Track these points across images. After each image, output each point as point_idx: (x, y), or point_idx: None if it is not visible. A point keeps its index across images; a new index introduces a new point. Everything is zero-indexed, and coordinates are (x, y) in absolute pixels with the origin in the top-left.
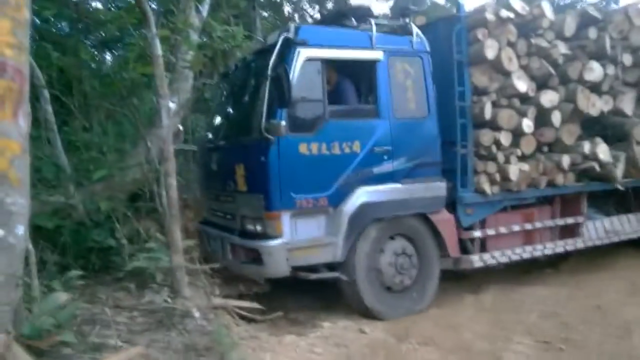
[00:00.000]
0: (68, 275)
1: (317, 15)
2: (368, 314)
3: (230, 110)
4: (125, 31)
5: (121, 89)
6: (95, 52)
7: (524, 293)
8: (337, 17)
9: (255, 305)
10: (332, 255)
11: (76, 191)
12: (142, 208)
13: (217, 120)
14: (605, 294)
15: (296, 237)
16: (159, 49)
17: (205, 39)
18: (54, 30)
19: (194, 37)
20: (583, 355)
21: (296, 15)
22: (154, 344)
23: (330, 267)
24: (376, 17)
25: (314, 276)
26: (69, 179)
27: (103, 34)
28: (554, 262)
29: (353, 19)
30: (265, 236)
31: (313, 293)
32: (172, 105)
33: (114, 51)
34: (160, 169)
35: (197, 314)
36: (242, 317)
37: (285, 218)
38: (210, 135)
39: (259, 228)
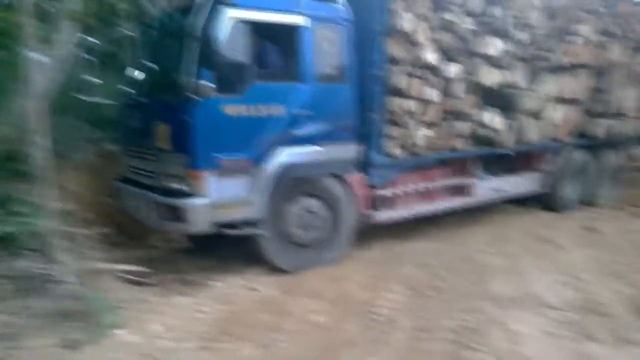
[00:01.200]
0: None
1: None
2: (283, 267)
3: (152, 66)
4: None
5: None
6: None
7: (405, 247)
8: None
9: (142, 268)
10: (253, 213)
11: None
12: (17, 169)
13: (137, 75)
14: (470, 245)
15: (219, 195)
16: None
17: None
18: None
19: None
20: (445, 299)
21: None
22: (21, 311)
23: (249, 223)
24: None
25: (234, 232)
26: None
27: None
28: (438, 220)
29: None
30: (188, 194)
31: (211, 255)
32: (44, 59)
33: None
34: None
35: (72, 279)
36: (133, 282)
37: (209, 177)
38: (129, 90)
39: (182, 186)
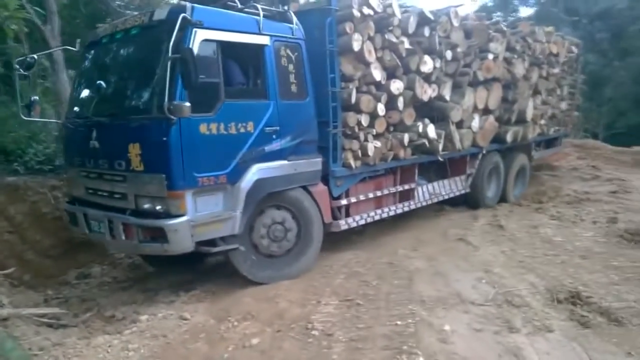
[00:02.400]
0: None
1: None
2: (257, 281)
3: (108, 84)
4: None
5: None
6: None
7: (333, 259)
8: None
9: (58, 309)
10: (231, 229)
11: None
12: None
13: (86, 94)
14: (394, 251)
15: (198, 214)
16: None
17: None
18: None
19: None
20: (377, 306)
21: None
22: None
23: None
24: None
25: (212, 249)
26: None
27: None
28: (362, 229)
29: (237, 1)
30: (167, 215)
31: (132, 288)
32: None
33: None
34: None
35: None
36: (50, 325)
37: (188, 196)
38: (77, 110)
39: (159, 207)
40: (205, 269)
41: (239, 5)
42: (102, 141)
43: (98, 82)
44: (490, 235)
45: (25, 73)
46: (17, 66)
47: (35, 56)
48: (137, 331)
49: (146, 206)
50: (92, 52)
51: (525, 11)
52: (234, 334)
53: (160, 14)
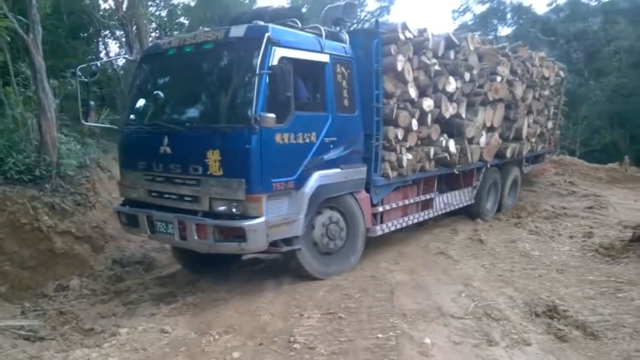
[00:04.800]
0: None
1: None
2: (306, 276)
3: (181, 94)
4: None
5: None
6: None
7: None
8: (276, 17)
9: (36, 322)
10: (296, 230)
11: None
12: None
13: (152, 102)
14: (378, 264)
15: (271, 216)
16: None
17: None
18: None
19: None
20: (359, 319)
21: None
22: None
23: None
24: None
25: (278, 250)
26: None
27: None
28: None
29: (298, 22)
30: (243, 216)
31: (112, 301)
32: None
33: None
34: None
35: None
36: (27, 338)
37: (264, 200)
38: (142, 117)
39: (235, 209)
40: (187, 282)
41: (299, 25)
42: (175, 147)
43: (167, 91)
44: (470, 249)
45: (87, 80)
46: (80, 73)
47: (98, 64)
48: (116, 344)
49: (221, 208)
50: (156, 63)
51: (504, 30)
52: (215, 348)
53: (238, 32)
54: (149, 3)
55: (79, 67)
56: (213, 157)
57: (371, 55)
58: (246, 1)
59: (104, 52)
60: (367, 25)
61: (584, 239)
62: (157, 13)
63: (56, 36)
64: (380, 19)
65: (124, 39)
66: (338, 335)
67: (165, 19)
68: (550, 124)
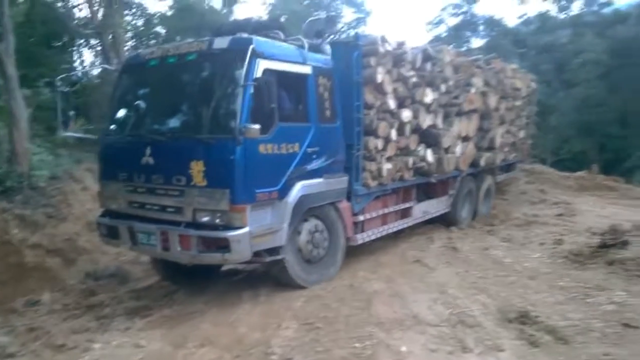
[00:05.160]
0: None
1: None
2: (299, 286)
3: (165, 105)
4: None
5: None
6: None
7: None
8: (259, 28)
9: (4, 338)
10: (280, 240)
11: None
12: None
13: (134, 112)
14: (356, 273)
15: (254, 226)
16: None
17: None
18: None
19: None
20: (336, 329)
21: None
22: None
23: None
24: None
25: (262, 260)
26: None
27: None
28: None
29: (281, 34)
30: (227, 227)
31: (84, 315)
32: None
33: None
34: None
35: None
36: None
37: (248, 210)
38: (123, 128)
39: (220, 220)
40: (162, 295)
41: (282, 37)
42: (157, 158)
43: (149, 102)
44: (445, 257)
45: (66, 90)
46: (59, 83)
47: (79, 73)
48: None
49: (205, 219)
50: (138, 73)
51: (476, 42)
52: None
53: (221, 43)
54: (125, 12)
55: (59, 77)
56: (197, 168)
57: (352, 67)
58: (223, 11)
59: (78, 61)
60: (344, 36)
61: (554, 245)
62: (134, 22)
63: (29, 45)
64: (357, 30)
65: (99, 48)
66: (315, 345)
67: (142, 28)
68: (522, 134)
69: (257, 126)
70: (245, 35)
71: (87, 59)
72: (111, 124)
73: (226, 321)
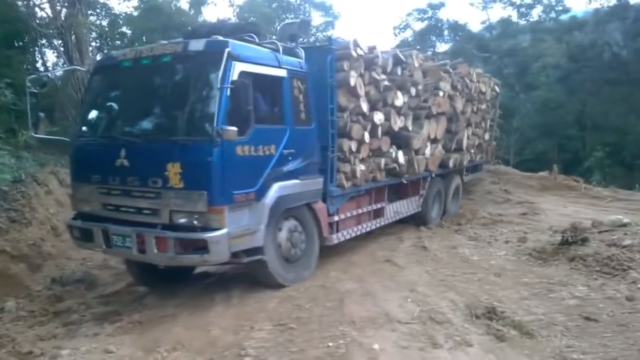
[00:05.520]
0: None
1: None
2: (279, 285)
3: (139, 107)
4: None
5: None
6: None
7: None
8: (234, 31)
9: None
10: (258, 241)
11: None
12: None
13: (107, 114)
14: (328, 273)
15: (232, 227)
16: None
17: None
18: None
19: None
20: (309, 329)
21: None
22: None
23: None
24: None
25: (241, 261)
26: None
27: None
28: None
29: (255, 37)
30: (205, 228)
31: (51, 322)
32: None
33: None
34: None
35: None
36: None
37: (226, 211)
38: (95, 129)
39: (197, 221)
40: (132, 300)
41: (257, 40)
42: (132, 160)
43: (123, 103)
44: (414, 256)
45: (36, 91)
46: (29, 84)
47: (49, 74)
48: None
49: (182, 221)
50: (110, 74)
51: (441, 47)
52: None
53: (197, 45)
54: (89, 12)
55: (29, 77)
56: (173, 170)
57: (325, 71)
58: (191, 12)
59: (40, 61)
60: (313, 40)
61: (519, 243)
62: (98, 22)
63: None
64: (328, 34)
65: (62, 49)
66: (289, 345)
67: (107, 28)
68: (487, 136)
69: (234, 128)
70: (220, 38)
71: (49, 59)
72: (83, 125)
73: (198, 324)
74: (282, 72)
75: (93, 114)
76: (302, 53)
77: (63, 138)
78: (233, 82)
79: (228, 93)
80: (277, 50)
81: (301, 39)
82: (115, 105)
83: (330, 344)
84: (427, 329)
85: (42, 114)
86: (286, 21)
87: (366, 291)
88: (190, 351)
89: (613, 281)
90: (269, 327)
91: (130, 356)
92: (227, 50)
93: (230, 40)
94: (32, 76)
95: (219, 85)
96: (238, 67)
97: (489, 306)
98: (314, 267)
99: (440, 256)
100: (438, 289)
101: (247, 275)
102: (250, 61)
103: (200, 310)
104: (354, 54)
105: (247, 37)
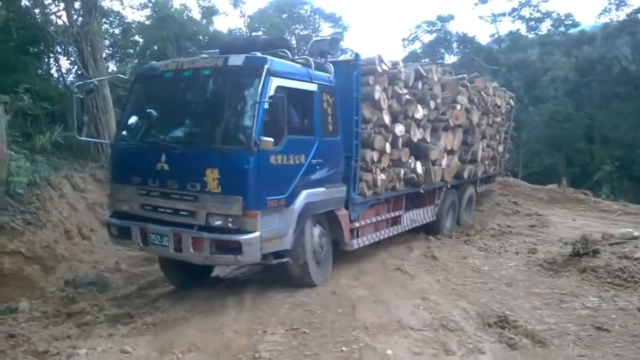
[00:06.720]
0: None
1: None
2: (310, 284)
3: (180, 115)
4: None
5: None
6: None
7: (277, 290)
8: (267, 46)
9: None
10: (287, 244)
11: None
12: None
13: (148, 121)
14: (338, 281)
15: (264, 231)
16: None
17: None
18: None
19: None
20: (322, 334)
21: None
22: None
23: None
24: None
25: (270, 262)
26: None
27: None
28: None
29: (288, 52)
30: (239, 231)
31: (65, 323)
32: None
33: None
34: None
35: None
36: None
37: (259, 215)
38: (138, 134)
39: (232, 224)
40: (144, 303)
41: (290, 56)
42: (172, 164)
43: (164, 111)
44: (425, 265)
45: (82, 97)
46: (77, 90)
47: (96, 81)
48: None
49: (217, 223)
50: (152, 83)
51: (450, 59)
52: None
53: (237, 61)
54: (103, 20)
55: (76, 84)
56: (212, 175)
57: (352, 85)
58: (203, 22)
59: (54, 68)
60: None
61: (529, 254)
62: (111, 31)
63: (5, 51)
64: (355, 51)
65: (77, 56)
66: (303, 349)
67: (120, 36)
68: (501, 148)
69: (270, 139)
70: (258, 54)
71: (63, 66)
72: (124, 130)
73: (212, 327)
74: (313, 87)
75: (133, 119)
76: (331, 68)
77: (104, 141)
78: (270, 97)
79: (266, 106)
80: (310, 66)
81: (331, 55)
82: (155, 113)
83: (344, 348)
84: (440, 336)
85: (85, 118)
86: (316, 38)
87: (377, 298)
88: (205, 353)
89: (625, 293)
90: (282, 332)
91: (146, 356)
92: (266, 66)
93: (269, 57)
94: (79, 82)
95: (257, 99)
96: (275, 82)
97: (501, 315)
98: (330, 271)
99: (451, 266)
100: (449, 297)
101: (258, 280)
102: (285, 76)
103: (213, 314)
104: (379, 70)
105: (280, 52)
